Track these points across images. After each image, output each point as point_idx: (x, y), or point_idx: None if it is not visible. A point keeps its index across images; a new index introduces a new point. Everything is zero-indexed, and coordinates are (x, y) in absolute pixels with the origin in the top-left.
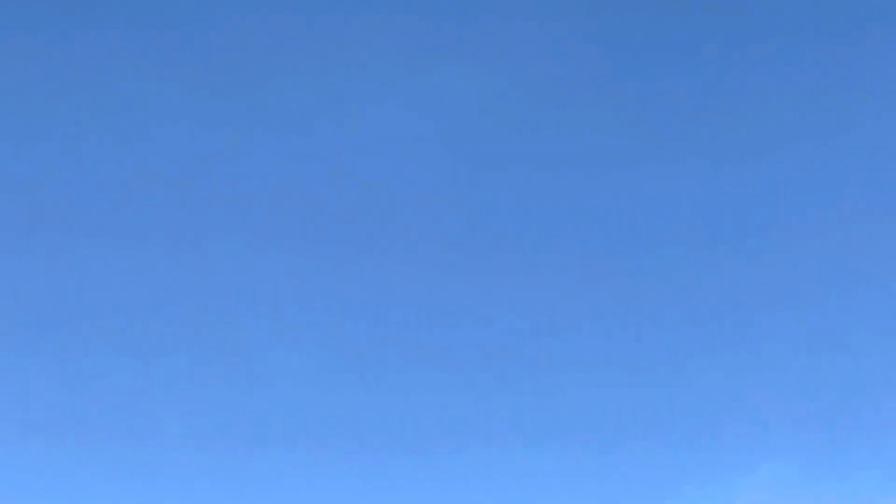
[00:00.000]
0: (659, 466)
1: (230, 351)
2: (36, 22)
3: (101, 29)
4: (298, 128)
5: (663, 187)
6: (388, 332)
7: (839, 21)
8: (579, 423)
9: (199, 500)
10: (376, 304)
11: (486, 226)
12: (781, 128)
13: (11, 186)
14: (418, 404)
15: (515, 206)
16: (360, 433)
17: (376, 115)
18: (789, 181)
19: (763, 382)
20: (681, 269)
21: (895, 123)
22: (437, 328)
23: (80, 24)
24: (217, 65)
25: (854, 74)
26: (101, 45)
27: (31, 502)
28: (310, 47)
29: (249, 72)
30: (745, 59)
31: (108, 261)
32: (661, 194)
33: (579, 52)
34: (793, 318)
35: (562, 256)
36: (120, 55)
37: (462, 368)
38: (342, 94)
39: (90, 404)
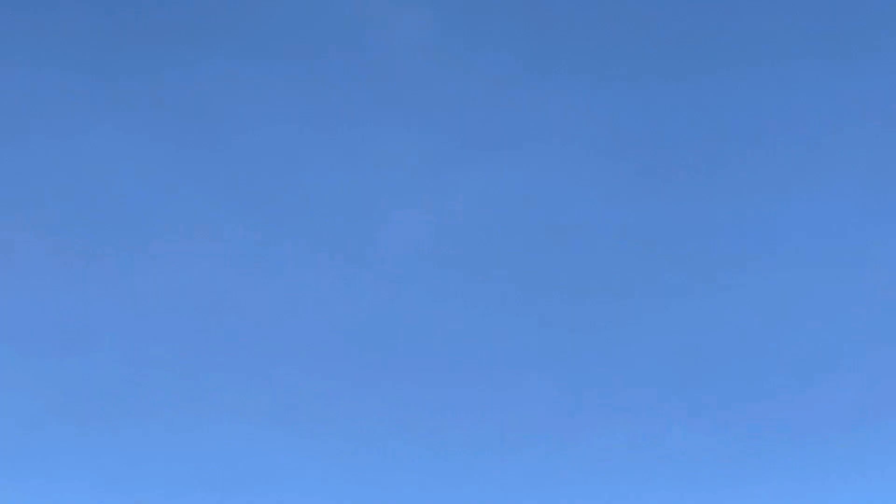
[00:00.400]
0: None
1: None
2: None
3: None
4: (314, 237)
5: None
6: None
7: None
8: None
9: None
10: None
11: (499, 334)
12: None
13: None
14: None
15: (540, 318)
16: None
17: (396, 222)
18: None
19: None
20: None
21: None
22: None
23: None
24: (233, 169)
25: None
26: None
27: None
28: (327, 153)
29: (262, 178)
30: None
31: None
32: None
33: (600, 161)
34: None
35: (575, 372)
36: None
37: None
38: (360, 199)
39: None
